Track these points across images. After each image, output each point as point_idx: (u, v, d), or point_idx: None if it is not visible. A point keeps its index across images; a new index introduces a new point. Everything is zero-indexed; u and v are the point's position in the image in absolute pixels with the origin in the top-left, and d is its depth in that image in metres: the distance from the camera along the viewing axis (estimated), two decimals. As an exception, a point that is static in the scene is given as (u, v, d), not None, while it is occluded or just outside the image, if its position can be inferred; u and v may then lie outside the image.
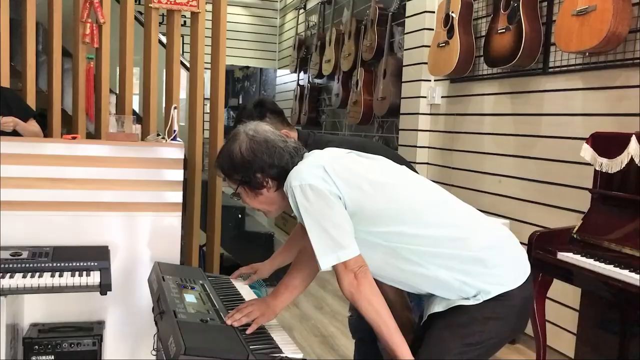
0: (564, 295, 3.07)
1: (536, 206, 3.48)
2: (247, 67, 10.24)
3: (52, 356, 2.48)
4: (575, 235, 2.54)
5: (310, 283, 1.91)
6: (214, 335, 1.69)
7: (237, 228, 4.51)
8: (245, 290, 2.25)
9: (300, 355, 1.67)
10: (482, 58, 3.86)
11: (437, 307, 1.59)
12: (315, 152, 1.67)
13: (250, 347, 1.65)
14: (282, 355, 1.65)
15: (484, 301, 1.54)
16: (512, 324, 1.60)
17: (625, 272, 2.17)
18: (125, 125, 2.84)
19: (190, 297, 1.96)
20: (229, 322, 1.76)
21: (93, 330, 2.56)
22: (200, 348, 1.55)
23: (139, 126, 3.09)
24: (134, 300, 2.77)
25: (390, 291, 1.75)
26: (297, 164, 1.63)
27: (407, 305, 1.85)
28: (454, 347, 1.54)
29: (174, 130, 2.72)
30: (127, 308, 2.77)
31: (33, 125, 3.30)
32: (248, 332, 1.73)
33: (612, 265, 2.25)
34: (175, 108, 2.72)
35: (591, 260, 2.34)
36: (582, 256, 2.39)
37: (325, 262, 1.51)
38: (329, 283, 4.61)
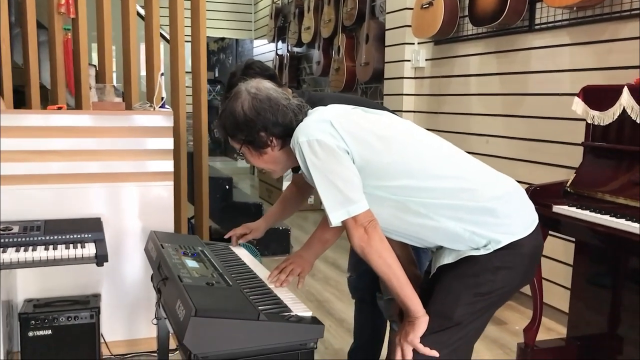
0: (557, 251, 3.12)
1: (525, 164, 3.50)
2: (223, 39, 10.08)
3: (50, 331, 2.44)
4: (569, 189, 2.56)
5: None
6: (223, 297, 1.67)
7: (225, 199, 4.46)
8: (243, 253, 2.24)
9: (310, 314, 1.66)
10: (466, 18, 3.84)
11: (447, 259, 1.59)
12: (320, 108, 1.64)
13: (260, 307, 1.64)
14: (291, 313, 1.65)
15: (494, 251, 1.54)
16: (523, 273, 1.60)
17: (622, 221, 2.20)
18: (107, 96, 2.76)
19: (192, 263, 1.94)
20: (277, 284, 1.84)
21: (90, 303, 2.53)
22: (211, 309, 1.52)
23: (119, 99, 3.01)
24: (128, 271, 2.74)
25: (396, 246, 1.74)
26: (301, 122, 1.60)
27: (413, 260, 1.85)
28: (465, 297, 1.55)
29: (162, 98, 2.65)
30: (122, 279, 2.74)
31: None
32: (283, 285, 1.84)
33: (607, 216, 2.27)
34: (162, 75, 2.65)
35: (587, 212, 2.36)
36: (577, 208, 2.41)
37: (336, 218, 1.50)
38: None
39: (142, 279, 2.76)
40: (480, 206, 1.55)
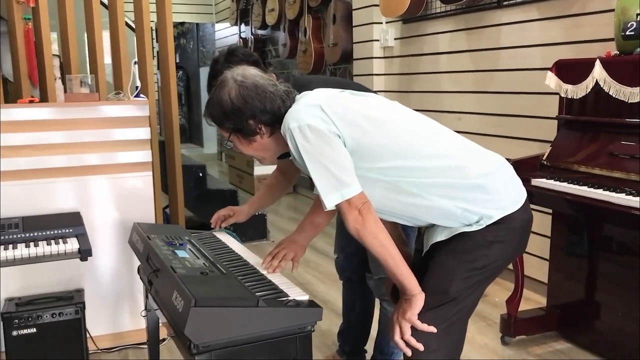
0: (534, 224, 3.18)
1: (498, 139, 3.56)
2: (182, 24, 9.89)
3: (34, 329, 2.40)
4: (545, 162, 2.62)
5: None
6: (219, 286, 1.66)
7: (199, 187, 4.42)
8: (230, 240, 2.23)
9: (307, 297, 1.67)
10: (434, -4, 3.86)
11: (440, 236, 1.61)
12: (308, 93, 1.63)
13: (256, 293, 1.64)
14: (289, 298, 1.65)
15: (486, 226, 1.56)
16: (515, 246, 1.64)
17: (600, 191, 2.26)
18: (80, 87, 2.69)
19: (182, 253, 1.92)
20: (270, 270, 1.85)
21: (74, 299, 2.49)
22: (210, 298, 1.52)
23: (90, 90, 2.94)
24: (109, 264, 2.70)
25: (387, 226, 1.76)
26: (289, 108, 1.59)
27: (404, 239, 1.87)
28: (460, 272, 1.57)
29: (137, 87, 2.60)
30: (104, 273, 2.70)
31: None
32: (277, 271, 1.85)
33: (585, 187, 2.34)
34: (135, 63, 2.60)
35: (564, 184, 2.42)
36: (555, 180, 2.47)
37: (330, 201, 1.50)
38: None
39: (124, 272, 2.73)
40: (471, 183, 1.57)
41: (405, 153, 1.57)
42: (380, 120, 1.58)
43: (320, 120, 1.51)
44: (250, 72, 1.64)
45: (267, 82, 1.63)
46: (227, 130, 1.65)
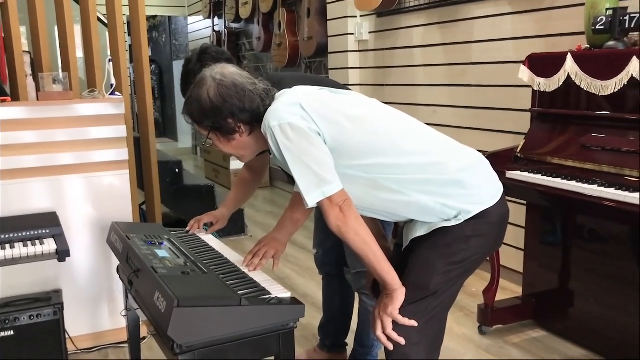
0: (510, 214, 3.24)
1: (472, 131, 3.61)
2: (154, 17, 9.78)
3: (12, 332, 2.37)
4: (519, 154, 2.66)
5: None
6: (201, 285, 1.67)
7: (176, 183, 4.39)
8: (209, 238, 2.23)
9: (289, 294, 1.68)
10: (408, -10, 3.88)
11: (420, 232, 1.64)
12: (288, 91, 1.64)
13: (239, 292, 1.65)
14: (271, 296, 1.66)
15: (465, 221, 1.59)
16: (493, 240, 1.68)
17: (573, 182, 2.31)
18: (55, 85, 2.64)
19: (162, 253, 1.92)
20: (251, 268, 1.85)
21: (52, 300, 2.46)
22: (193, 298, 1.53)
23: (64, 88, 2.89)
24: (87, 264, 2.68)
25: (367, 221, 1.78)
26: (268, 106, 1.60)
27: (383, 234, 1.89)
28: (440, 266, 1.60)
29: (112, 85, 2.57)
30: (81, 273, 2.68)
31: None
32: (257, 269, 1.87)
33: (559, 178, 2.39)
34: (110, 61, 2.57)
35: (538, 176, 2.47)
36: (529, 173, 2.52)
37: (312, 199, 1.52)
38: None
39: (102, 271, 2.71)
40: (449, 179, 1.60)
41: (384, 150, 1.59)
42: (359, 118, 1.60)
43: (300, 119, 1.52)
44: (229, 71, 1.64)
45: (247, 80, 1.63)
46: (205, 129, 1.65)
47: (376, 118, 1.64)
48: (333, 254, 2.38)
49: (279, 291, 1.69)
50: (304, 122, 1.51)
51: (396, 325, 1.60)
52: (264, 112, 1.59)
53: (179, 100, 9.66)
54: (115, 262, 2.56)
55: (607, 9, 2.48)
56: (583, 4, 2.65)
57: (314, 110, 1.54)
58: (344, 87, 2.17)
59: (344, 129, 1.56)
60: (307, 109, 1.53)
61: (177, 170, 4.39)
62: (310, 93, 1.62)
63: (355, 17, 4.48)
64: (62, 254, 2.20)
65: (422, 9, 3.90)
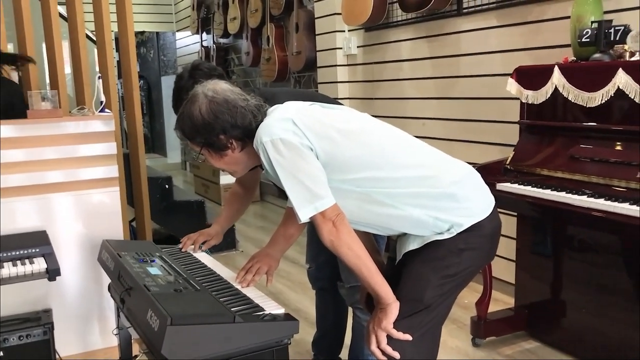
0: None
1: (461, 144, 3.63)
2: (142, 33, 9.77)
3: (1, 352, 2.33)
4: (509, 166, 2.68)
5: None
6: (194, 303, 1.66)
7: (166, 199, 4.37)
8: (201, 255, 2.22)
9: (282, 311, 1.68)
10: (396, 4, 3.91)
11: (413, 245, 1.64)
12: (279, 106, 1.64)
13: (232, 309, 1.64)
14: (265, 312, 1.65)
15: (457, 234, 1.60)
16: (485, 253, 1.68)
17: (562, 194, 2.33)
18: (35, 104, 2.62)
19: (154, 270, 1.90)
20: (244, 284, 1.85)
21: (41, 320, 2.43)
22: (186, 316, 1.51)
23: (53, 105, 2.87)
24: (77, 283, 2.65)
25: (360, 236, 1.78)
26: (260, 122, 1.60)
27: (376, 248, 1.90)
28: (433, 280, 1.60)
29: (101, 102, 2.57)
30: (71, 292, 2.65)
31: None
32: (250, 285, 1.86)
33: (548, 190, 2.40)
34: (99, 78, 2.56)
35: (528, 187, 2.49)
36: (519, 184, 2.53)
37: (304, 214, 1.52)
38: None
39: (93, 290, 2.68)
40: (442, 192, 1.60)
41: (376, 164, 1.59)
42: (351, 132, 1.60)
43: (292, 134, 1.52)
44: (220, 87, 1.64)
45: (238, 96, 1.63)
46: (197, 145, 1.65)
47: (368, 132, 1.64)
48: (326, 268, 2.38)
49: (272, 307, 1.68)
50: (296, 137, 1.52)
51: (390, 340, 1.59)
52: (256, 128, 1.59)
53: (167, 116, 9.65)
54: (106, 280, 2.53)
55: (592, 22, 2.52)
56: (569, 17, 2.69)
57: (306, 126, 1.54)
58: (336, 101, 2.18)
59: (336, 144, 1.56)
60: (299, 124, 1.53)
61: (167, 186, 4.37)
62: (301, 108, 1.62)
63: (344, 31, 4.51)
64: (53, 273, 2.18)
65: (410, 23, 3.94)
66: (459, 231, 1.60)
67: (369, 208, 1.61)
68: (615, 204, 2.13)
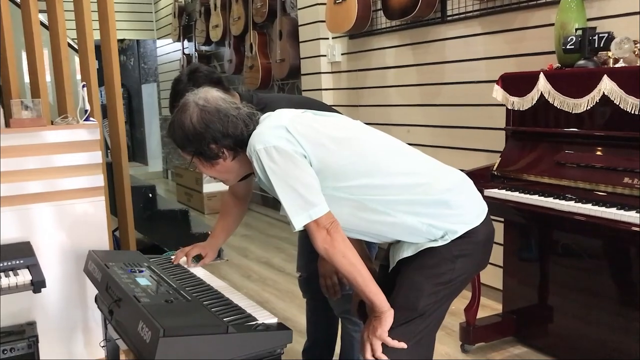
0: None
1: (447, 150, 3.65)
2: (122, 40, 9.69)
3: (-16, 367, 2.28)
4: (496, 172, 2.69)
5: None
6: (186, 314, 1.63)
7: (149, 208, 4.32)
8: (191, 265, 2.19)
9: (275, 320, 1.66)
10: (380, 12, 3.93)
11: (407, 252, 1.63)
12: (272, 114, 1.63)
13: (224, 319, 1.62)
14: (258, 322, 1.64)
15: (451, 241, 1.60)
16: (479, 259, 1.69)
17: (549, 199, 2.35)
18: (15, 113, 2.57)
19: (143, 281, 1.88)
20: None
21: (25, 333, 2.38)
22: (178, 327, 1.49)
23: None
24: (61, 294, 2.60)
25: (353, 243, 1.77)
26: (252, 131, 1.59)
27: (369, 256, 1.89)
28: (427, 287, 1.60)
29: (86, 110, 2.53)
30: (55, 304, 2.60)
31: None
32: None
33: (536, 195, 2.42)
34: (84, 86, 2.53)
35: (515, 193, 2.50)
36: (506, 190, 2.55)
37: (298, 222, 1.50)
38: (249, 252, 4.58)
39: (77, 301, 2.63)
40: (435, 199, 1.60)
41: (370, 171, 1.59)
42: (344, 140, 1.60)
43: (286, 141, 1.51)
44: (212, 95, 1.62)
45: (230, 105, 1.62)
46: (189, 154, 1.64)
47: (361, 139, 1.64)
48: (317, 277, 2.35)
49: (265, 317, 1.67)
50: (290, 145, 1.51)
51: (385, 348, 1.59)
52: (248, 137, 1.58)
53: (148, 124, 9.58)
54: (90, 291, 2.49)
55: (576, 29, 2.55)
56: (553, 24, 2.72)
57: (299, 133, 1.53)
58: (332, 108, 2.18)
59: (329, 151, 1.55)
60: (293, 132, 1.53)
61: (150, 195, 4.32)
62: (295, 116, 1.61)
63: (328, 39, 4.52)
64: (38, 284, 2.14)
65: (394, 30, 3.95)
66: (452, 238, 1.60)
67: (362, 216, 1.61)
68: (603, 208, 2.15)
